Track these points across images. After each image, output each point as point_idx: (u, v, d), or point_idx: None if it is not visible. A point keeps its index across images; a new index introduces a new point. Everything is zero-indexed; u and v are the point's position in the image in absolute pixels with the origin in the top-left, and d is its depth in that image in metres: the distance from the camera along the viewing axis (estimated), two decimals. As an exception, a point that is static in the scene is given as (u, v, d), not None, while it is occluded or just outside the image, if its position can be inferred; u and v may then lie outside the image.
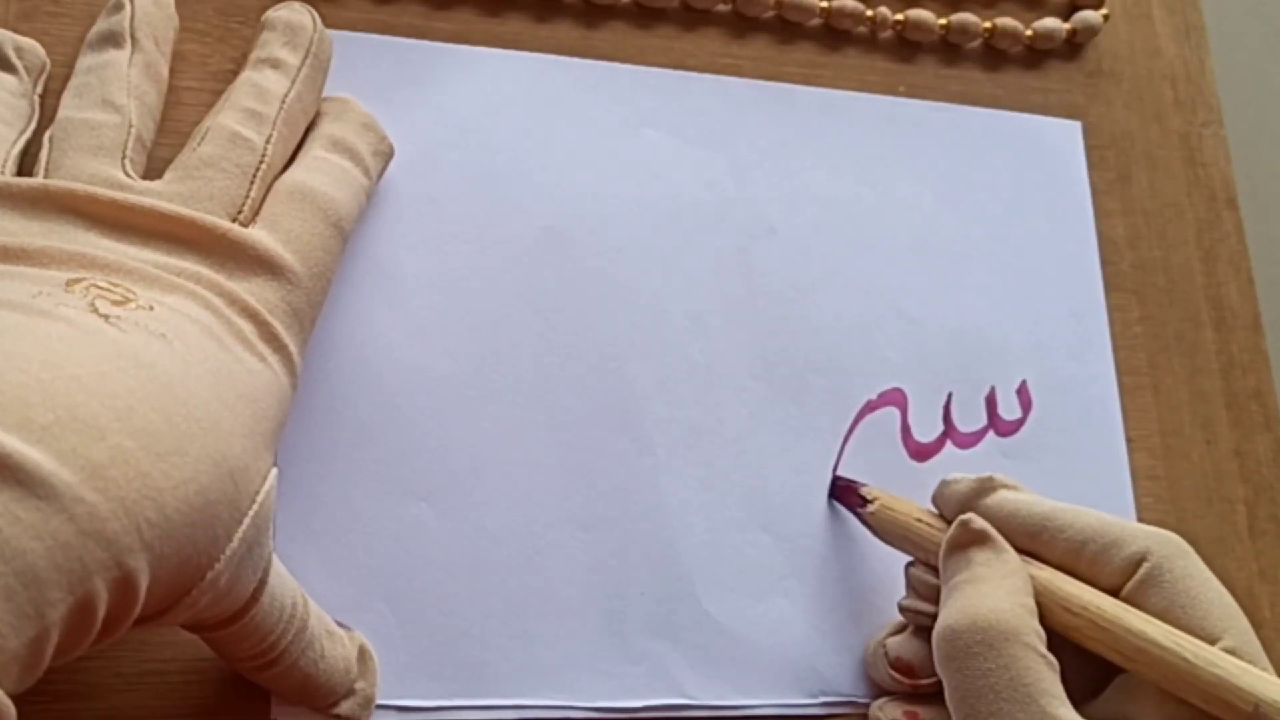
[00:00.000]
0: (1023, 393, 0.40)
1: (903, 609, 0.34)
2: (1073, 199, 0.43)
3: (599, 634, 0.34)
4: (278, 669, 0.28)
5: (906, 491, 0.37)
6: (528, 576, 0.34)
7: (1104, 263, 0.43)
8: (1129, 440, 0.41)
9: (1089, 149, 0.44)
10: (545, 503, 0.34)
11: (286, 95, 0.33)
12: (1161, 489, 0.41)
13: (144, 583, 0.22)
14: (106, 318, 0.24)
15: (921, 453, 0.38)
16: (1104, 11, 0.45)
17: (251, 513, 0.25)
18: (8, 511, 0.20)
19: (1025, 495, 0.34)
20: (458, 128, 0.37)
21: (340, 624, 0.31)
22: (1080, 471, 0.38)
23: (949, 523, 0.33)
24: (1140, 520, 0.40)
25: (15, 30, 0.34)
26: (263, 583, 0.26)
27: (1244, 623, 0.31)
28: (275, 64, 0.33)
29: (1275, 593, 0.41)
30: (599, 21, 0.40)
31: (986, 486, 0.34)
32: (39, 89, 0.33)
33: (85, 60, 0.33)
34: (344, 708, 0.30)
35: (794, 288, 0.39)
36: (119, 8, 0.33)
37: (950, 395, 0.39)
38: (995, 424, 0.40)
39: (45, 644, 0.21)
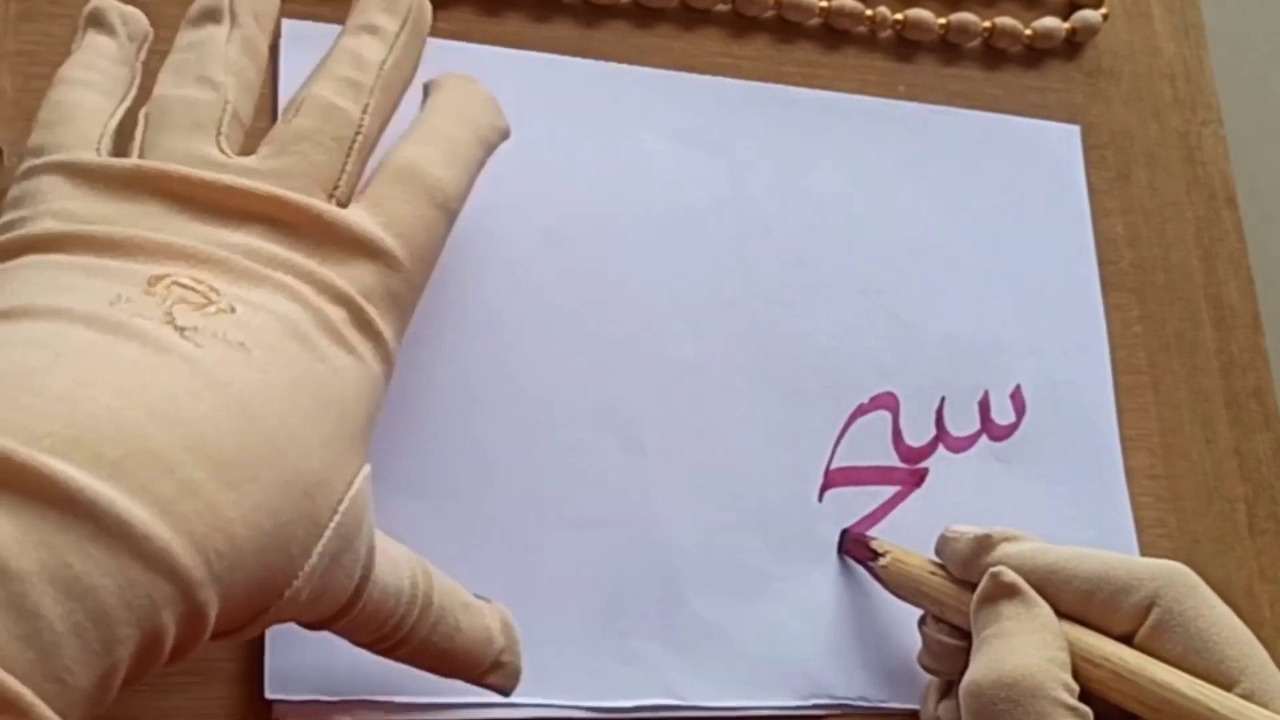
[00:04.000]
0: (1017, 396, 0.40)
1: (924, 667, 0.34)
2: (1070, 204, 0.43)
3: (590, 634, 0.34)
4: (407, 648, 0.28)
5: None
6: (520, 576, 0.34)
7: (1103, 262, 0.43)
8: (1129, 439, 0.41)
9: (1088, 148, 0.44)
10: (538, 503, 0.34)
11: (384, 62, 0.31)
12: (1161, 488, 0.41)
13: (213, 613, 0.22)
14: (182, 330, 0.24)
15: (912, 456, 0.38)
16: (1103, 11, 0.45)
17: (333, 524, 0.25)
18: (79, 548, 0.20)
19: (1027, 545, 0.32)
20: (456, 128, 0.37)
21: (479, 596, 0.30)
22: (1074, 474, 0.38)
23: (954, 579, 0.33)
24: (1141, 520, 0.40)
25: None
26: (365, 579, 0.26)
27: (1260, 656, 0.30)
28: (373, 30, 0.31)
29: (1275, 592, 0.41)
30: (598, 21, 0.40)
31: (985, 544, 0.32)
32: (141, 56, 0.32)
33: (184, 37, 0.31)
34: (491, 679, 0.30)
35: (788, 289, 0.39)
36: None
37: (943, 399, 0.39)
38: (988, 428, 0.40)
39: (113, 680, 0.21)
